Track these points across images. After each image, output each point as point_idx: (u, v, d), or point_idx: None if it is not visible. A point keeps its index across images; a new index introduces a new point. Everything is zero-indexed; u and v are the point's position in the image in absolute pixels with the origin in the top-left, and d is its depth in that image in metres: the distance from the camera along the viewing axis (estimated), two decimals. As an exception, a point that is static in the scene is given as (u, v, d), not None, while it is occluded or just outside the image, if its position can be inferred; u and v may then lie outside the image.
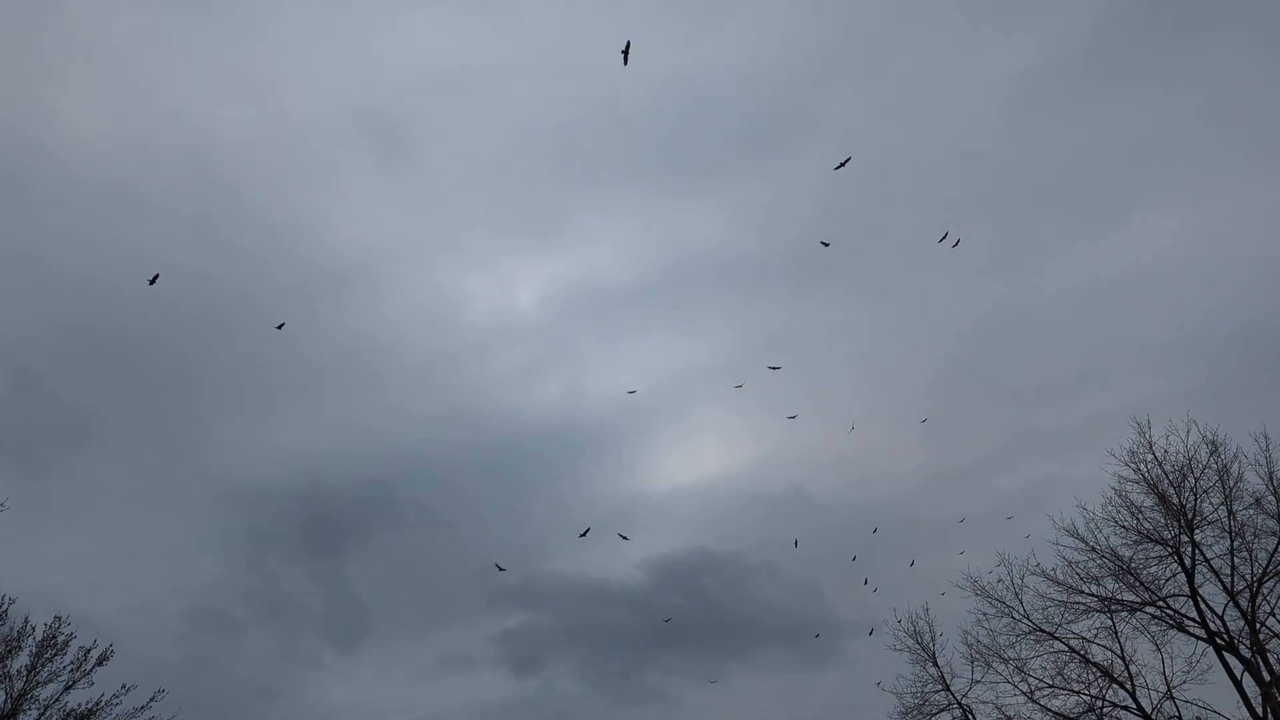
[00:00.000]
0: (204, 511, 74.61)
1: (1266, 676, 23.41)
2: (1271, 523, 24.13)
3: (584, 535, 34.23)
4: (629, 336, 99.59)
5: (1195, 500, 24.76)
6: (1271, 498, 24.16)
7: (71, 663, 25.24)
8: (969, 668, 26.08)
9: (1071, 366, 79.71)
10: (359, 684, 69.13)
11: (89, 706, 25.30)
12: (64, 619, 25.54)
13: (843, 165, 26.67)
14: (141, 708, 25.69)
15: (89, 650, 25.58)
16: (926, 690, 26.07)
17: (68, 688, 25.17)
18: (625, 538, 36.58)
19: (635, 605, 72.72)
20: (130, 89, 79.67)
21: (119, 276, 72.58)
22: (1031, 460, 73.35)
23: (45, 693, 24.72)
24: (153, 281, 23.40)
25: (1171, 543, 24.89)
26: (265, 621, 70.46)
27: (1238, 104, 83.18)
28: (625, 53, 19.83)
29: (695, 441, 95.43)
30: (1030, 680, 25.57)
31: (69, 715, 24.86)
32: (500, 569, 40.71)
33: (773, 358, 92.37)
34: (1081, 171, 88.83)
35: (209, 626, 66.38)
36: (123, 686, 25.72)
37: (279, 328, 26.58)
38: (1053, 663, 25.55)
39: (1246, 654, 23.88)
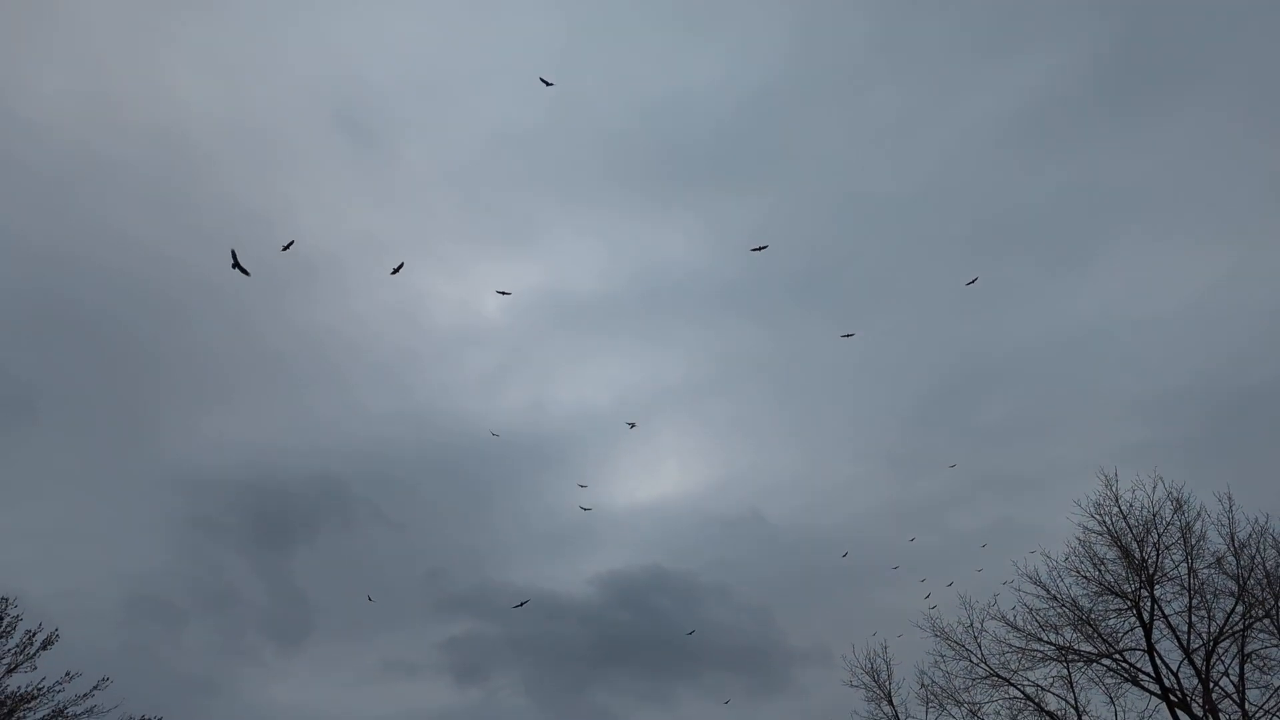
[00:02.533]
0: (149, 497, 72.63)
1: (1217, 736, 23.51)
2: (1230, 584, 24.31)
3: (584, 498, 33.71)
4: (596, 349, 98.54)
5: (1158, 556, 24.93)
6: (1232, 559, 24.36)
7: (15, 645, 24.74)
8: (923, 709, 26.07)
9: (1033, 411, 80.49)
10: (299, 683, 67.60)
11: (30, 690, 24.80)
12: (11, 600, 25.07)
13: (760, 249, 27.56)
14: (84, 695, 25.22)
15: (34, 634, 25.09)
16: (880, 729, 26.00)
17: (10, 670, 24.66)
18: (583, 486, 36.57)
19: (585, 620, 72.07)
20: (101, 59, 77.84)
21: (81, 248, 71.03)
22: (988, 501, 73.72)
23: (-14, 674, 24.22)
24: (235, 265, 22.71)
25: (1131, 596, 25.01)
26: (207, 613, 68.54)
27: (1207, 162, 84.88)
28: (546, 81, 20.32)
29: (656, 459, 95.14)
30: (983, 725, 25.55)
31: (8, 698, 24.33)
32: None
33: (739, 383, 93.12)
34: (1054, 217, 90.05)
35: (148, 615, 64.59)
36: (66, 674, 25.24)
37: (286, 248, 25.42)
38: (1007, 708, 25.60)
39: (1199, 712, 23.98)
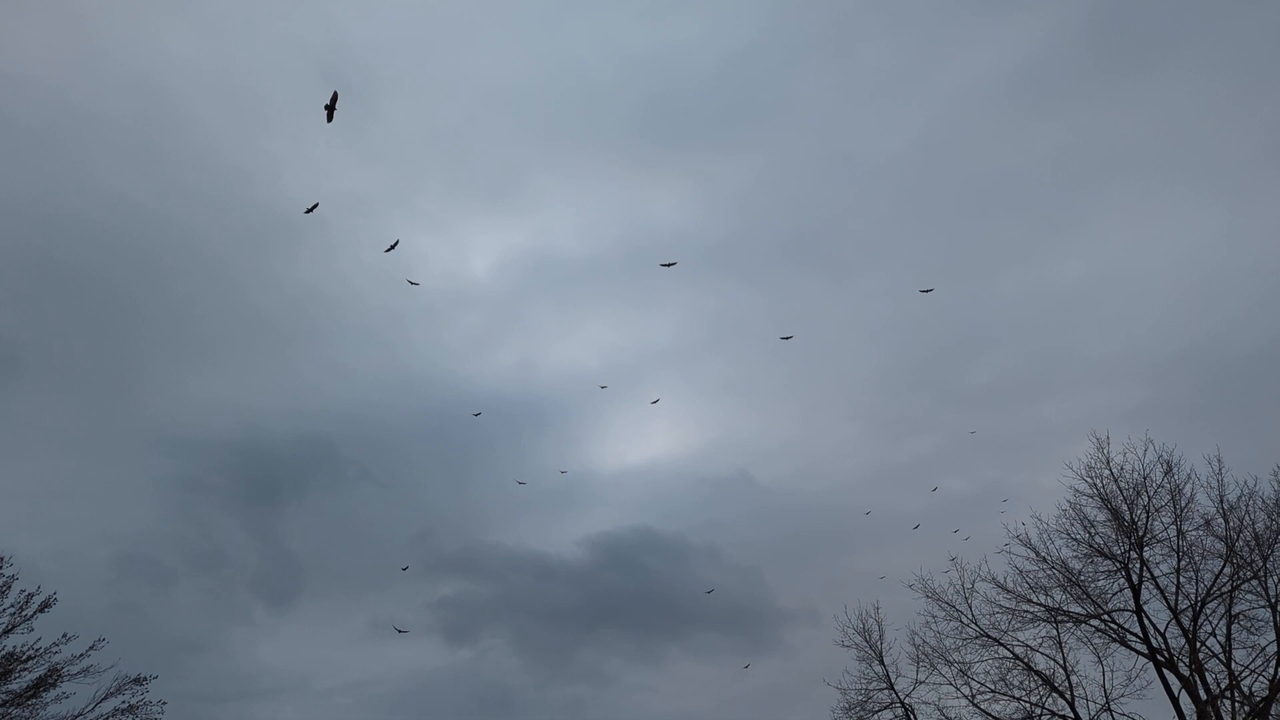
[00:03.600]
0: (137, 456, 72.19)
1: (1203, 695, 23.83)
2: (1219, 545, 24.51)
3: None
4: (586, 311, 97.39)
5: (1147, 518, 25.11)
6: (1221, 520, 24.55)
7: (12, 605, 24.82)
8: (914, 668, 26.38)
9: (1021, 373, 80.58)
10: (288, 643, 67.91)
11: (28, 650, 24.92)
12: (7, 559, 25.09)
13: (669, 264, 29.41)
14: (80, 655, 25.35)
15: (31, 595, 25.15)
16: (871, 688, 26.33)
17: (7, 631, 24.76)
18: (564, 471, 37.27)
19: (574, 581, 72.47)
20: (81, 10, 75.31)
21: (63, 202, 69.18)
22: (976, 464, 74.09)
23: (-17, 633, 24.33)
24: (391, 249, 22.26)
25: (1121, 558, 25.22)
26: (195, 573, 68.48)
27: (1201, 123, 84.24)
28: (330, 108, 19.83)
29: (646, 421, 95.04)
30: (973, 684, 25.89)
31: (4, 659, 24.45)
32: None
33: (729, 344, 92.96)
34: (1046, 177, 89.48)
35: (137, 574, 64.55)
36: (64, 635, 25.36)
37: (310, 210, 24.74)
38: (996, 668, 25.89)
39: (1185, 672, 24.28)
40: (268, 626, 68.45)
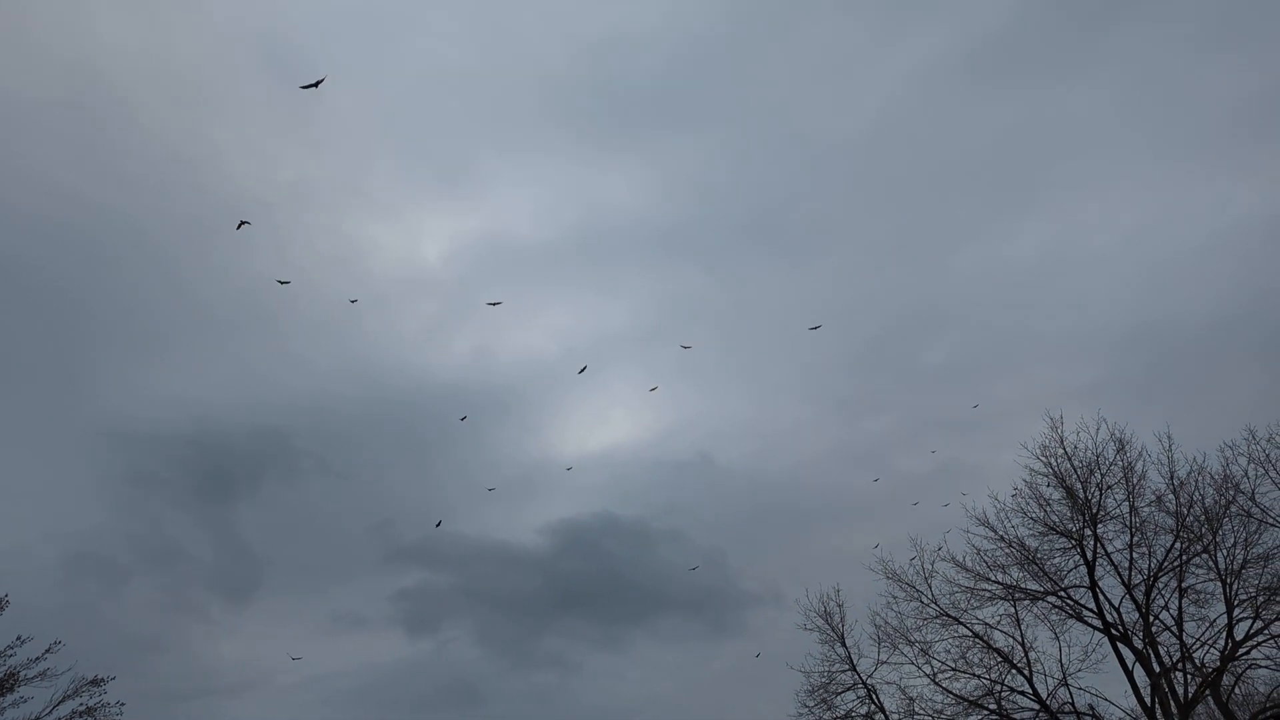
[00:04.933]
0: (85, 452, 70.95)
1: (1156, 667, 24.31)
2: (1169, 521, 24.99)
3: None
4: (542, 298, 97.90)
5: (1100, 495, 25.50)
6: (1171, 497, 25.01)
7: (-37, 609, 24.44)
8: (876, 648, 26.64)
9: (977, 352, 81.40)
10: (248, 639, 67.23)
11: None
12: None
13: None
14: (37, 659, 25.02)
15: (-18, 598, 24.79)
16: (833, 669, 26.55)
17: (-41, 635, 24.40)
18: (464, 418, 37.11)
19: (536, 569, 72.20)
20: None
21: (2, 192, 67.84)
22: (933, 442, 74.90)
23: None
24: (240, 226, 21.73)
25: (1075, 535, 25.61)
26: (149, 570, 67.46)
27: (1153, 99, 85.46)
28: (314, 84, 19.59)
29: (605, 407, 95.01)
30: (934, 663, 26.21)
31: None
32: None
33: (686, 328, 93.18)
34: (996, 156, 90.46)
35: (89, 573, 63.34)
36: (18, 638, 25.01)
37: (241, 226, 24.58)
38: (956, 646, 26.21)
39: (1139, 645, 24.76)
40: (227, 623, 67.59)
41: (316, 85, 20.15)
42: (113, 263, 77.07)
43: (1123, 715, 24.60)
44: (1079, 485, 25.71)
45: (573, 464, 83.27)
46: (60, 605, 56.18)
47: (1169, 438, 25.17)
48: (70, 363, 75.64)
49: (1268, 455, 24.58)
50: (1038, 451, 26.55)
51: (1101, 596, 25.30)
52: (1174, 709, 23.46)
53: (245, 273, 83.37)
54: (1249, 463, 24.78)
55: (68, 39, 73.85)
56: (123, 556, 66.07)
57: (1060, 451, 26.10)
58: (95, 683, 25.35)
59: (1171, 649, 24.89)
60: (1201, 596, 25.00)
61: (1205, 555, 24.68)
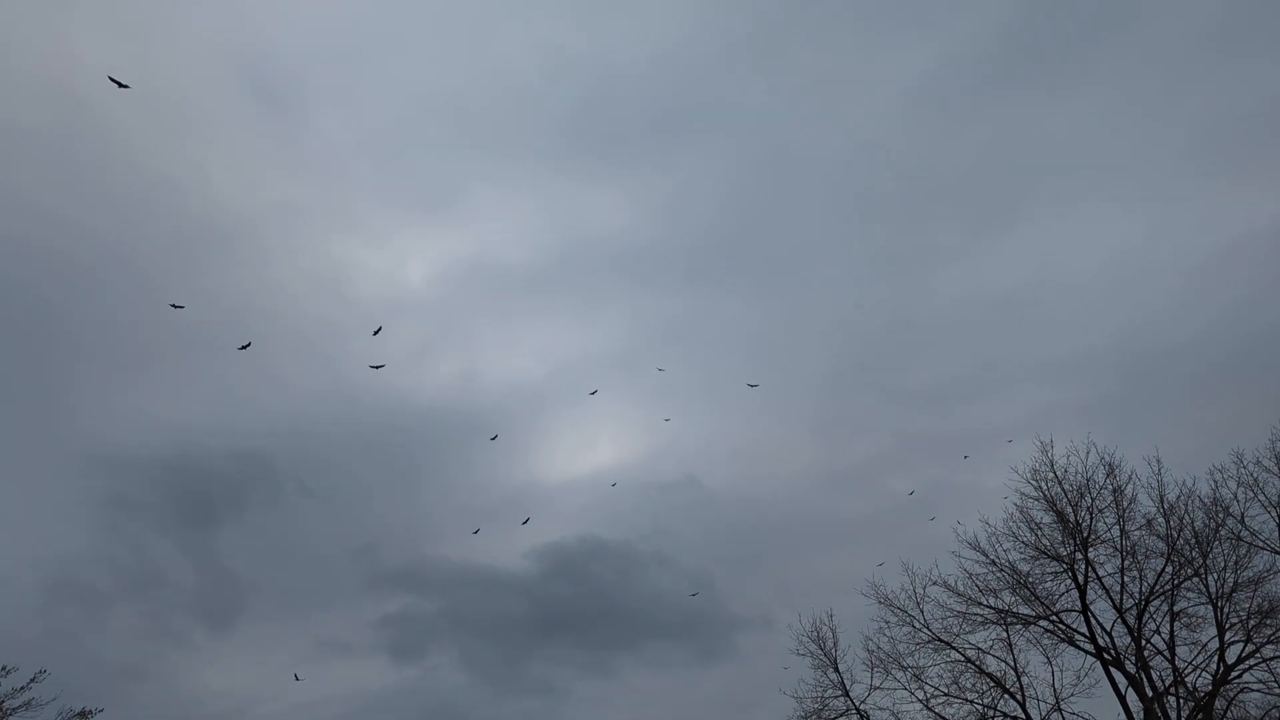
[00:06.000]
0: (64, 476, 68.86)
1: (1149, 692, 24.29)
2: (1160, 544, 25.05)
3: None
4: (526, 320, 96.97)
5: (1091, 519, 25.56)
6: (1161, 520, 25.08)
7: (-53, 641, 24.16)
8: (869, 674, 26.52)
9: (961, 373, 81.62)
10: (232, 666, 65.88)
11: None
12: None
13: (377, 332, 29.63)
14: (21, 689, 24.71)
15: (-33, 628, 24.53)
16: (826, 695, 26.40)
17: (-59, 666, 24.09)
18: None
19: (523, 594, 71.48)
20: None
21: None
22: (919, 464, 74.79)
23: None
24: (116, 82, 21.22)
25: (1067, 559, 25.63)
26: (131, 597, 65.43)
27: (1126, 123, 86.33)
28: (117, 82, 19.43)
29: (590, 430, 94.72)
30: (927, 688, 26.10)
31: (-59, 695, 23.80)
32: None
33: (671, 349, 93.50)
34: (977, 179, 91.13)
35: (69, 600, 61.52)
36: (3, 668, 24.72)
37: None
38: (949, 671, 26.14)
39: (1132, 669, 24.74)
40: (210, 650, 66.37)
41: (121, 85, 19.85)
42: (95, 283, 76.62)
43: (1116, 740, 24.55)
44: (1070, 509, 25.77)
45: (558, 487, 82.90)
46: (42, 633, 54.98)
47: (1158, 461, 25.35)
48: (50, 385, 74.54)
49: (1256, 479, 24.74)
50: (1028, 475, 26.68)
51: (1093, 620, 25.32)
52: (1167, 734, 23.43)
53: (229, 294, 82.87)
54: (1238, 486, 25.01)
55: (47, 60, 73.69)
56: (103, 582, 64.86)
57: (1050, 475, 26.23)
58: (83, 715, 25.06)
59: (1164, 673, 24.91)
60: (1193, 620, 25.04)
61: (1196, 579, 24.72)
